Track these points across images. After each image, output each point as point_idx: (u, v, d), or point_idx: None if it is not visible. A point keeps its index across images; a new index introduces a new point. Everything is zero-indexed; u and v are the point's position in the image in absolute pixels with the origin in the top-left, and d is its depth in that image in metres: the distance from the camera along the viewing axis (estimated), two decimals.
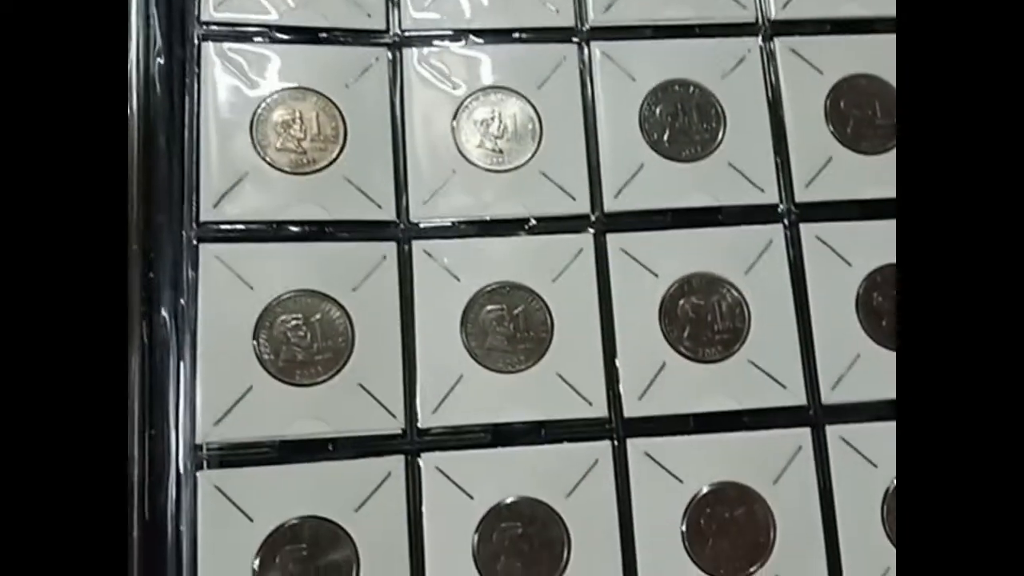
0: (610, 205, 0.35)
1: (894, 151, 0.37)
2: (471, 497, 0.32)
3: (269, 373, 0.32)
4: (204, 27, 0.35)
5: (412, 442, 0.33)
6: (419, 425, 0.33)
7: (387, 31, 0.36)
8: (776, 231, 0.36)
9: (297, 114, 0.35)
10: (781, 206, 0.36)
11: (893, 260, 0.35)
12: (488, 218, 0.35)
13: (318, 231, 0.34)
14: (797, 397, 0.34)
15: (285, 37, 0.36)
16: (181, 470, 0.32)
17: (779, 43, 0.37)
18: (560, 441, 0.33)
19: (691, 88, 0.37)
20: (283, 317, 0.33)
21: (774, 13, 0.38)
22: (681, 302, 0.35)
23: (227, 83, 0.35)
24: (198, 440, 0.32)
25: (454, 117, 0.36)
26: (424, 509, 0.32)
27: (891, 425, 0.34)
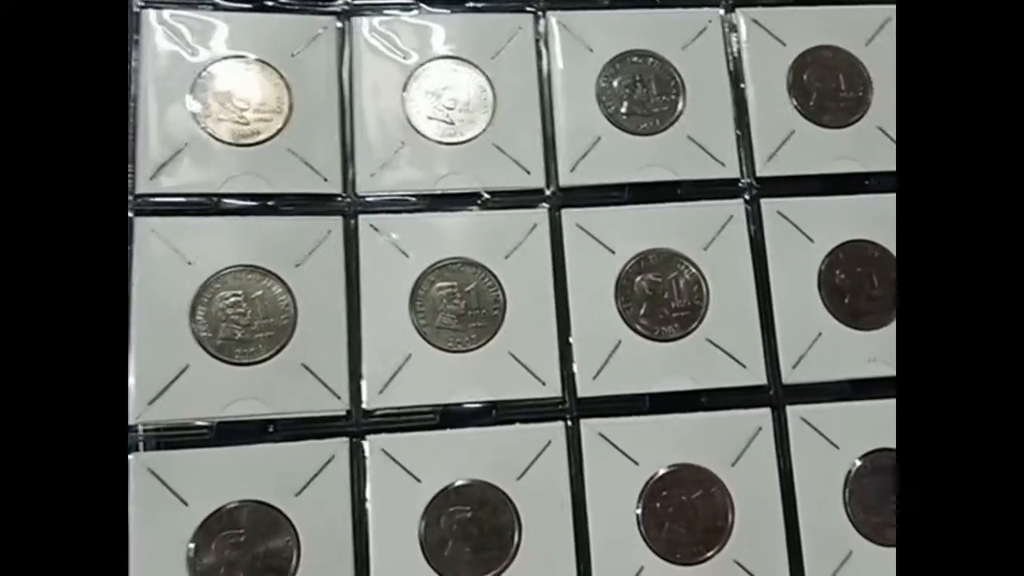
0: (565, 179, 0.34)
1: (857, 125, 0.36)
2: (418, 480, 0.31)
3: (207, 351, 0.31)
4: None
5: (357, 424, 0.32)
6: (364, 406, 0.32)
7: None
8: (736, 206, 0.35)
9: (240, 83, 0.34)
10: (742, 180, 0.35)
11: (856, 236, 0.34)
12: (439, 192, 0.34)
13: (260, 205, 0.33)
14: (757, 377, 0.33)
15: (229, 4, 0.34)
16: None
17: (741, 13, 0.37)
18: (512, 422, 0.32)
19: (650, 59, 0.36)
20: (222, 293, 0.32)
21: None
22: (638, 279, 0.34)
23: (167, 51, 0.34)
24: (131, 421, 0.30)
25: (404, 87, 0.34)
26: (369, 493, 0.31)
27: (853, 405, 0.33)
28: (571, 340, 0.33)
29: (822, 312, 0.34)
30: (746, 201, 0.35)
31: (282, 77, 0.34)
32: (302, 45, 0.34)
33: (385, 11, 0.35)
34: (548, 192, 0.34)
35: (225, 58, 0.34)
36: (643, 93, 0.35)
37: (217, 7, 0.34)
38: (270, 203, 0.33)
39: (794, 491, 0.32)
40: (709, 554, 0.31)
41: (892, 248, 0.34)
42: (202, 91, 0.33)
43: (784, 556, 0.32)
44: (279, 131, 0.33)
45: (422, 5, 0.35)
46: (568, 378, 0.33)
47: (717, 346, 0.33)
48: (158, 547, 0.30)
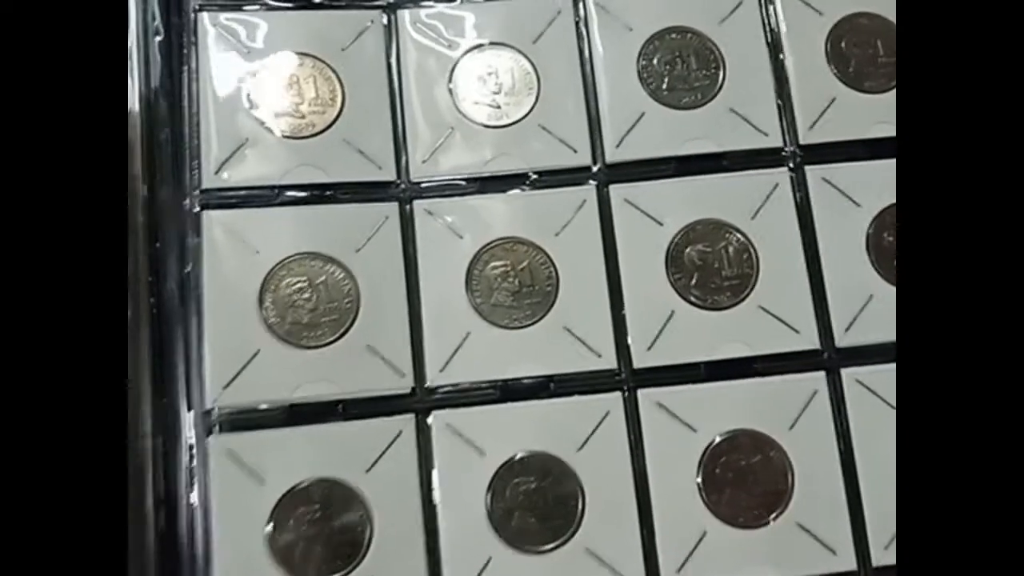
0: (611, 156, 0.35)
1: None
2: (483, 453, 0.32)
3: (276, 336, 0.32)
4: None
5: (421, 400, 0.32)
6: (427, 384, 0.33)
7: None
8: (781, 175, 0.35)
9: (295, 79, 0.35)
10: (785, 149, 0.35)
11: None
12: (488, 174, 0.35)
13: (319, 194, 0.34)
14: (810, 341, 0.33)
15: (279, 4, 0.36)
16: (192, 435, 0.32)
17: None
18: (570, 395, 0.33)
19: (688, 35, 0.36)
20: (287, 280, 0.33)
21: None
22: (688, 250, 0.34)
23: (223, 52, 0.35)
24: (208, 405, 0.32)
25: (450, 75, 0.35)
26: (435, 467, 0.32)
27: None
28: (624, 312, 0.33)
29: (872, 275, 0.34)
30: (790, 169, 0.35)
31: (333, 71, 0.35)
32: (350, 39, 0.35)
33: (428, 3, 0.36)
34: (595, 169, 0.35)
35: (279, 54, 0.35)
36: (683, 69, 0.36)
37: (268, 7, 0.36)
38: (328, 192, 0.34)
39: (852, 452, 0.33)
40: (771, 517, 0.32)
41: None
42: (258, 88, 0.34)
43: (846, 517, 0.32)
44: (333, 123, 0.34)
45: None
46: (623, 349, 0.33)
47: (769, 312, 0.34)
48: (239, 525, 0.31)
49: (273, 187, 0.34)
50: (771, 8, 0.37)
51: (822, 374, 0.33)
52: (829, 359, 0.34)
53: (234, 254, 0.33)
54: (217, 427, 0.32)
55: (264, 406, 0.32)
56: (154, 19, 0.36)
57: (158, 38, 0.35)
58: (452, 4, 0.36)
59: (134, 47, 0.35)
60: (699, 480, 0.32)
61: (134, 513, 0.31)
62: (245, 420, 0.32)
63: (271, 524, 0.31)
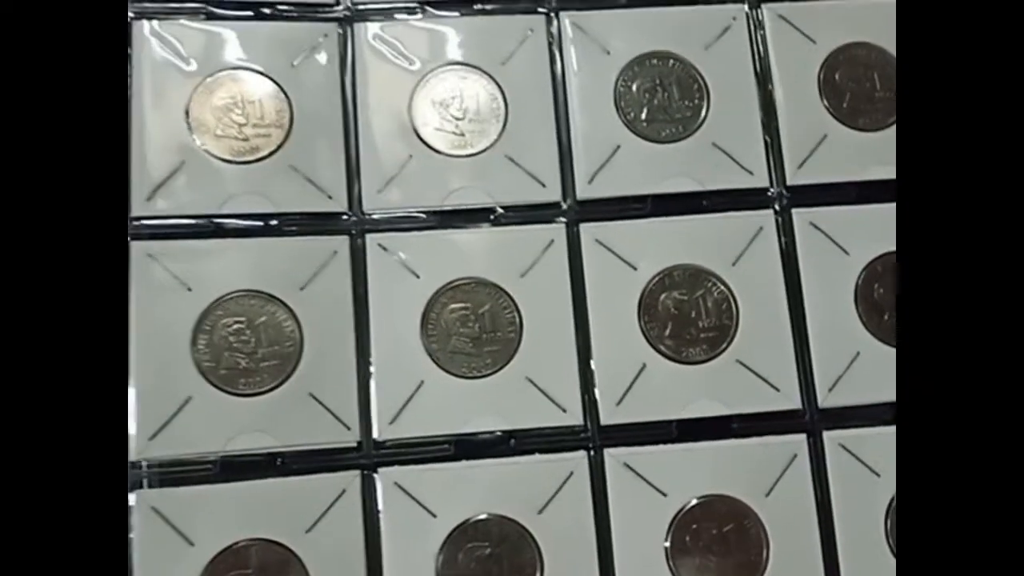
0: (583, 192, 0.33)
1: (895, 128, 0.34)
2: (433, 515, 0.30)
3: (210, 382, 0.30)
4: (137, 4, 0.32)
5: (368, 456, 0.30)
6: (375, 437, 0.30)
7: (337, 4, 0.33)
8: (766, 217, 0.33)
9: (238, 97, 0.32)
10: (771, 190, 0.33)
11: (895, 248, 0.32)
12: (449, 208, 0.32)
13: (262, 225, 0.31)
14: (791, 400, 0.32)
15: (224, 12, 0.33)
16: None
17: (767, 9, 0.35)
18: (531, 452, 0.31)
19: (671, 61, 0.34)
20: (224, 320, 0.30)
21: None
22: (662, 297, 0.32)
23: (161, 64, 0.32)
24: (132, 457, 0.29)
25: (410, 97, 0.33)
26: (382, 528, 0.30)
27: (894, 430, 0.31)
28: (592, 364, 0.31)
29: (860, 330, 0.32)
30: (776, 211, 0.33)
31: (281, 89, 0.32)
32: (302, 54, 0.33)
33: (389, 15, 0.33)
34: (565, 206, 0.33)
35: (221, 70, 0.32)
36: (664, 98, 0.33)
37: (211, 16, 0.33)
38: (272, 223, 0.31)
39: (833, 522, 0.31)
40: None
41: None
42: (198, 106, 0.32)
43: None
44: (280, 146, 0.32)
45: (427, 8, 0.34)
46: (590, 404, 0.31)
47: (748, 368, 0.32)
48: None
49: (211, 216, 0.31)
50: (760, 34, 0.34)
51: (803, 437, 0.32)
52: (811, 421, 0.32)
53: (165, 290, 0.30)
54: (143, 481, 0.29)
55: (194, 459, 0.30)
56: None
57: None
58: (415, 17, 0.34)
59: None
60: (667, 547, 0.30)
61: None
62: (173, 474, 0.30)
63: None
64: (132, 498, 0.29)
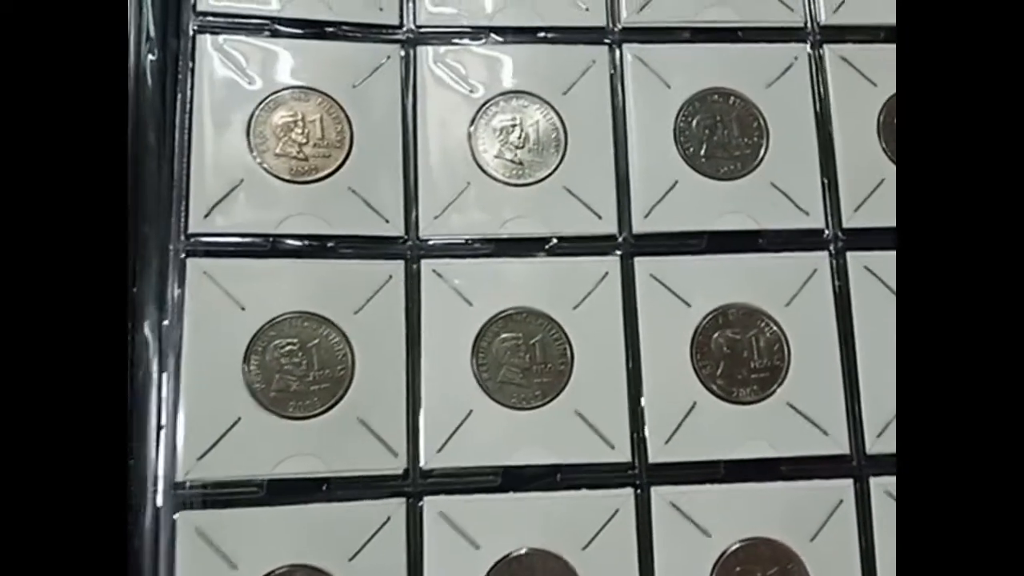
0: (639, 226, 0.32)
1: None
2: (477, 547, 0.29)
3: (260, 404, 0.30)
4: (200, 18, 0.32)
5: (414, 484, 0.30)
6: (422, 465, 0.30)
7: (400, 26, 0.33)
8: (821, 259, 0.33)
9: (299, 116, 0.32)
10: (827, 231, 0.33)
11: None
12: (505, 236, 0.32)
13: (318, 247, 0.31)
14: (839, 445, 0.31)
15: (288, 31, 0.33)
16: (160, 509, 0.29)
17: (829, 51, 0.34)
18: (577, 487, 0.30)
19: (731, 98, 0.34)
20: (277, 342, 0.30)
21: (824, 18, 0.35)
22: (715, 335, 0.32)
23: (223, 80, 0.32)
24: (179, 477, 0.29)
25: (471, 123, 0.33)
26: (425, 558, 0.29)
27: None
28: (642, 400, 0.31)
29: None
30: (831, 254, 0.33)
31: (342, 110, 0.32)
32: (364, 75, 0.33)
33: (452, 40, 0.33)
34: (620, 239, 0.32)
35: (284, 88, 0.32)
36: (724, 135, 0.33)
37: (276, 33, 0.32)
38: (329, 245, 0.31)
39: (875, 570, 0.30)
40: None
41: None
42: (259, 124, 0.31)
43: None
44: (339, 168, 0.32)
45: (491, 34, 0.33)
46: (639, 442, 0.31)
47: (798, 411, 0.31)
48: None
49: (268, 236, 0.31)
50: (821, 75, 0.34)
51: (849, 482, 0.31)
52: (858, 466, 0.31)
53: (219, 308, 0.30)
54: (188, 502, 0.29)
55: (241, 481, 0.29)
56: (147, 34, 0.32)
57: (151, 57, 0.32)
58: (479, 43, 0.33)
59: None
60: None
61: None
62: (219, 496, 0.29)
63: None
64: (177, 518, 0.29)
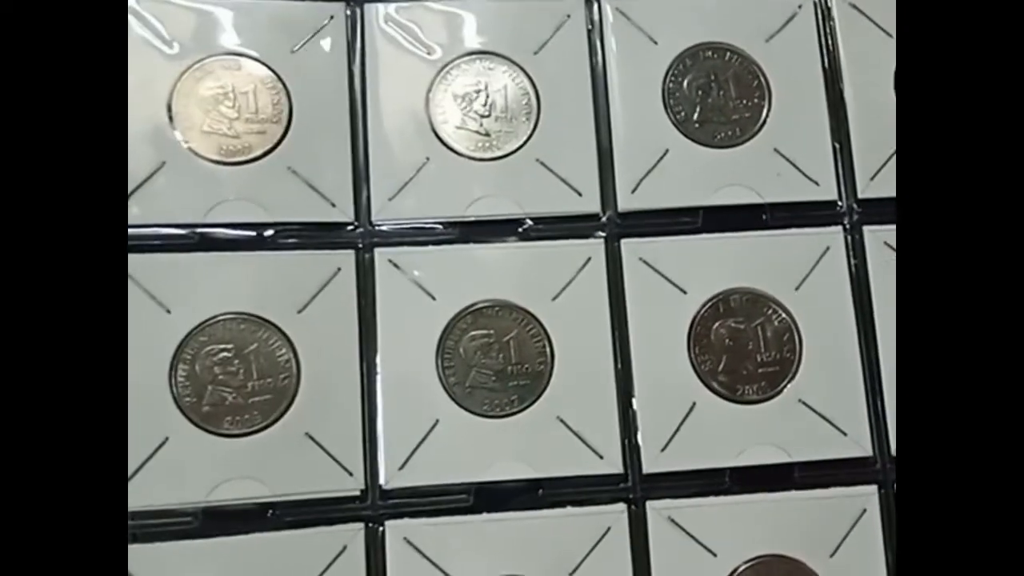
0: (625, 203, 0.30)
1: None
2: None
3: (190, 421, 0.27)
4: None
5: (374, 506, 0.28)
6: (383, 485, 0.28)
7: None
8: (834, 235, 0.30)
9: (229, 87, 0.29)
10: (840, 204, 0.30)
11: None
12: (471, 219, 0.30)
13: (254, 237, 0.29)
14: (861, 447, 0.29)
15: None
16: None
17: None
18: (562, 504, 0.28)
19: (728, 54, 0.31)
20: (209, 348, 0.28)
21: None
22: (715, 326, 0.29)
23: (140, 46, 0.29)
24: None
25: (429, 90, 0.30)
26: None
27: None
28: (634, 403, 0.29)
29: None
30: (846, 229, 0.30)
31: (279, 78, 0.29)
32: (303, 38, 0.30)
33: None
34: (604, 218, 0.30)
35: (210, 56, 0.29)
36: (720, 96, 0.31)
37: None
38: (266, 235, 0.29)
39: None
40: None
41: None
42: (182, 96, 0.28)
43: None
44: (276, 146, 0.29)
45: None
46: (631, 450, 0.29)
47: (812, 409, 0.29)
48: None
49: (195, 226, 0.28)
50: (829, 24, 0.31)
51: (873, 489, 0.29)
52: (883, 470, 0.29)
53: (141, 311, 0.27)
54: None
55: (173, 510, 0.27)
56: None
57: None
58: None
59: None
60: None
61: None
62: (149, 528, 0.26)
63: None
64: None
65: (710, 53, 0.31)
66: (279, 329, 0.28)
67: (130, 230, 0.28)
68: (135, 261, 0.27)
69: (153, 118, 0.28)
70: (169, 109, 0.28)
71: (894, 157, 0.30)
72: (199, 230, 0.28)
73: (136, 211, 0.28)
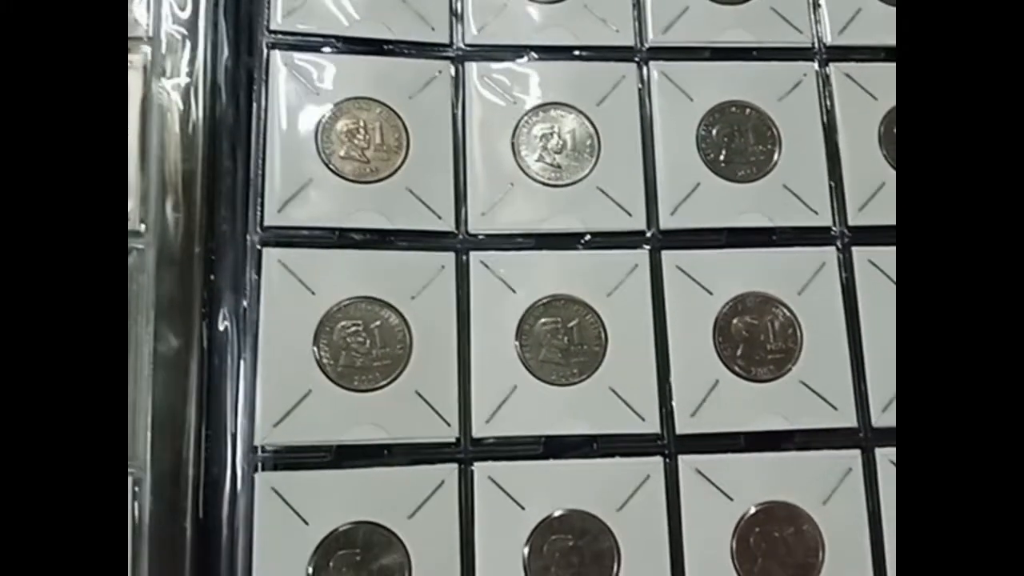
0: (666, 222, 0.35)
1: None
2: (522, 508, 0.32)
3: (328, 378, 0.33)
4: (272, 36, 0.36)
5: (465, 451, 0.33)
6: (473, 434, 0.33)
7: (450, 45, 0.37)
8: (829, 253, 0.36)
9: (361, 123, 0.35)
10: (834, 229, 0.36)
11: None
12: (545, 231, 0.35)
13: (379, 239, 0.34)
14: (848, 419, 0.34)
15: (351, 48, 0.36)
16: (239, 471, 0.32)
17: (834, 68, 0.38)
18: (612, 455, 0.33)
19: (747, 110, 0.37)
20: (343, 323, 0.33)
21: (830, 39, 0.38)
22: (735, 321, 0.35)
23: (293, 91, 0.35)
24: (256, 442, 0.32)
25: (514, 131, 0.36)
26: (476, 518, 0.32)
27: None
28: (670, 378, 0.34)
29: None
30: (838, 249, 0.36)
31: (400, 118, 0.35)
32: (419, 87, 0.36)
33: (497, 57, 0.37)
34: (649, 234, 0.35)
35: (347, 99, 0.35)
36: (741, 142, 0.36)
37: (340, 51, 0.36)
38: (388, 238, 0.34)
39: (882, 531, 0.33)
40: None
41: None
42: (326, 130, 0.35)
43: None
44: (397, 170, 0.35)
45: (532, 53, 0.37)
46: (667, 415, 0.34)
47: (810, 388, 0.34)
48: (280, 564, 0.31)
49: (334, 229, 0.34)
50: (827, 90, 0.38)
51: (857, 452, 0.34)
52: (865, 438, 0.34)
53: (292, 293, 0.33)
54: (264, 464, 0.32)
55: (312, 446, 0.32)
56: (223, 50, 0.36)
57: (227, 66, 0.36)
58: (520, 61, 0.37)
59: (199, 76, 0.36)
60: (733, 547, 0.33)
61: (170, 538, 0.32)
62: (293, 459, 0.32)
63: (311, 565, 0.31)
64: (255, 479, 0.32)
65: (734, 108, 0.37)
66: (397, 310, 0.33)
67: (286, 229, 0.34)
68: (289, 253, 0.33)
69: (305, 146, 0.34)
70: (316, 139, 0.35)
71: (878, 193, 0.36)
72: (338, 232, 0.34)
73: (292, 214, 0.34)
